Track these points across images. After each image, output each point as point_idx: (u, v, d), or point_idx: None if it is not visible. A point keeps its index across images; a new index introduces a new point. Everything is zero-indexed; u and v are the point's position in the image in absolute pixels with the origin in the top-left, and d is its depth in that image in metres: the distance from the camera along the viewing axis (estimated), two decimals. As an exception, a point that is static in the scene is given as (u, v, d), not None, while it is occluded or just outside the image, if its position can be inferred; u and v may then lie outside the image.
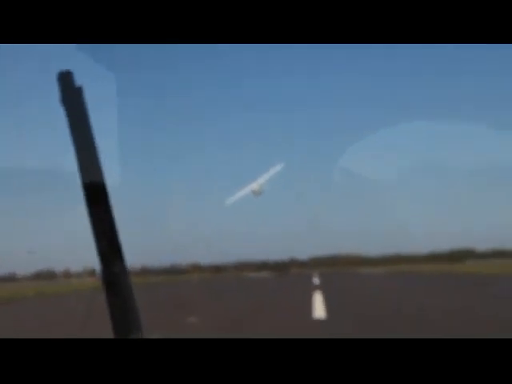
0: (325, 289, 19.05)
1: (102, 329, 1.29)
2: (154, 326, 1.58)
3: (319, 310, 11.81)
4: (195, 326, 9.19)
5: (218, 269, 47.06)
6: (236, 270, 47.97)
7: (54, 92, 1.02)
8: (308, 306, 12.91)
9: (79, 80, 1.00)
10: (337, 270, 42.81)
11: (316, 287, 20.89)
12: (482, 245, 45.95)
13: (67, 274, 39.02)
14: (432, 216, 45.52)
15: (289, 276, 38.96)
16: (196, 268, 44.77)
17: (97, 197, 1.01)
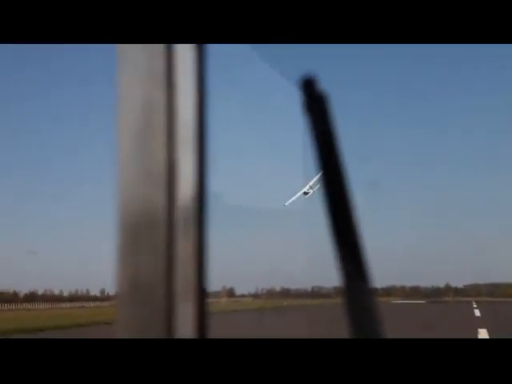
0: (492, 326, 16.17)
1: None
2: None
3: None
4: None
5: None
6: (382, 295, 44.88)
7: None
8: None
9: None
10: (499, 300, 38.45)
11: (480, 322, 18.07)
12: None
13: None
14: None
15: (443, 304, 35.43)
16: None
17: (341, 210, 1.00)
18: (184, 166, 0.54)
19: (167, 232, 0.53)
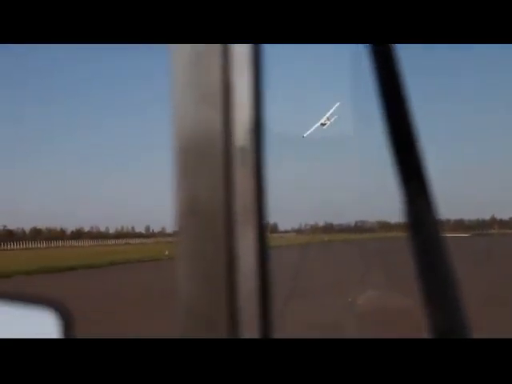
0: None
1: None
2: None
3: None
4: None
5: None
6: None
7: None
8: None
9: None
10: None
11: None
12: None
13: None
14: None
15: (489, 238, 35.08)
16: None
17: (404, 137, 1.02)
18: (239, 89, 0.53)
19: (224, 157, 0.53)
